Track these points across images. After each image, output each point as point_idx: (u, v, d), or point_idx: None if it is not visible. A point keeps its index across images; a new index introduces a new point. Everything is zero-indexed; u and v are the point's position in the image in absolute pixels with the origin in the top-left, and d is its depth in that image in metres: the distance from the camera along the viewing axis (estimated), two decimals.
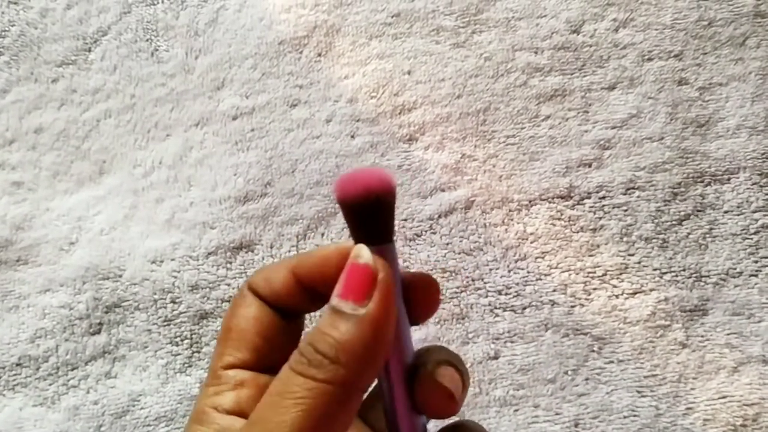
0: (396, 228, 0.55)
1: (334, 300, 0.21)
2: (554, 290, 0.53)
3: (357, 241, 0.23)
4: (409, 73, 0.59)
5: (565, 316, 0.52)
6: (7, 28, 0.63)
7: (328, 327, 0.21)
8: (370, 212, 0.22)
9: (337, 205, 0.24)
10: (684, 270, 0.53)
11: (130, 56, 0.62)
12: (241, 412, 0.23)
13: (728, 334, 0.51)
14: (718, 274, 0.53)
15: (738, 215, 0.54)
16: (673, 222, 0.54)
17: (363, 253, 0.22)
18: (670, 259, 0.53)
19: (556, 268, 0.53)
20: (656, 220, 0.54)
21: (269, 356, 0.24)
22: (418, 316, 0.25)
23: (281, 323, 0.25)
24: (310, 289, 0.25)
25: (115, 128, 0.59)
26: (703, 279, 0.52)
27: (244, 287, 0.25)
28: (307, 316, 0.28)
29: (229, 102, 0.59)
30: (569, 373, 0.51)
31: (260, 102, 0.59)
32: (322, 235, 0.55)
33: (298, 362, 0.21)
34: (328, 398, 0.20)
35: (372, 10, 0.62)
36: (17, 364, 0.53)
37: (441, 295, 0.26)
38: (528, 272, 0.53)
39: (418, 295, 0.24)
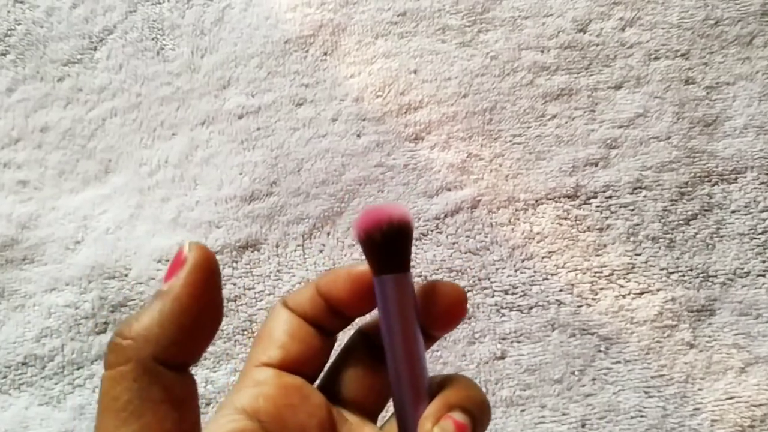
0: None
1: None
2: (561, 290, 0.52)
3: (378, 270, 0.25)
4: (415, 72, 0.59)
5: (571, 316, 0.52)
6: (13, 27, 0.63)
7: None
8: (390, 241, 0.24)
9: (356, 236, 0.25)
10: (691, 270, 0.53)
11: (136, 55, 0.62)
12: (253, 408, 0.24)
13: (736, 335, 0.51)
14: (726, 274, 0.52)
15: (745, 215, 0.54)
16: (680, 221, 0.54)
17: (185, 244, 0.23)
18: (677, 258, 0.53)
19: (562, 267, 0.53)
20: (663, 220, 0.54)
21: (296, 355, 0.25)
22: (438, 324, 0.25)
23: (311, 332, 0.26)
24: (337, 309, 0.26)
25: (120, 127, 0.59)
26: (711, 279, 0.52)
27: (277, 303, 0.27)
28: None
29: (234, 101, 0.59)
30: (576, 373, 0.50)
31: (266, 101, 0.59)
32: (328, 234, 0.55)
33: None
34: (119, 379, 0.21)
35: (378, 9, 0.61)
36: (23, 363, 0.53)
37: (466, 304, 0.26)
38: (534, 272, 0.53)
39: (440, 304, 0.25)
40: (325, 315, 0.26)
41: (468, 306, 0.52)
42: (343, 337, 0.27)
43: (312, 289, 0.26)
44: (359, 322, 0.27)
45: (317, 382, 0.27)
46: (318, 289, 0.26)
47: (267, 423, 0.24)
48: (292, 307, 0.26)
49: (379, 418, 0.27)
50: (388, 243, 0.24)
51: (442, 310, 0.25)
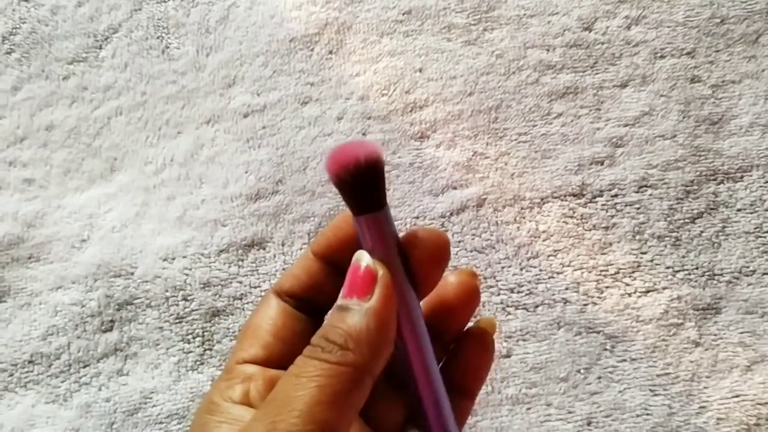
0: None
1: (340, 300, 0.24)
2: (567, 288, 0.52)
3: (352, 211, 0.25)
4: (420, 70, 0.59)
5: (577, 315, 0.52)
6: (18, 26, 0.63)
7: (336, 321, 0.23)
8: (359, 182, 0.24)
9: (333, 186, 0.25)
10: (697, 268, 0.53)
11: (141, 53, 0.62)
12: (248, 403, 0.24)
13: (741, 333, 0.51)
14: (731, 273, 0.52)
15: (751, 213, 0.54)
16: (686, 220, 0.54)
17: (363, 257, 0.24)
18: (683, 257, 0.53)
19: (568, 266, 0.53)
20: (669, 218, 0.54)
21: (280, 354, 0.26)
22: (425, 275, 0.26)
23: (297, 323, 0.26)
24: (333, 264, 0.26)
25: (126, 125, 0.59)
26: (716, 277, 0.52)
27: (268, 291, 0.27)
28: None
29: (240, 99, 0.59)
30: (582, 371, 0.51)
31: (271, 99, 0.59)
32: None
33: (312, 351, 0.23)
34: (340, 377, 0.22)
35: (383, 8, 0.61)
36: (29, 362, 0.53)
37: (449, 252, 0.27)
38: (540, 270, 0.53)
39: (424, 252, 0.26)
40: (325, 279, 0.26)
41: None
42: None
43: (305, 259, 0.27)
44: None
45: None
46: (312, 251, 0.26)
47: None
48: (287, 288, 0.27)
49: None
50: (358, 183, 0.24)
51: (424, 250, 0.25)
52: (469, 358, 0.27)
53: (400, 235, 0.26)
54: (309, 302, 0.27)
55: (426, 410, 0.25)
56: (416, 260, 0.25)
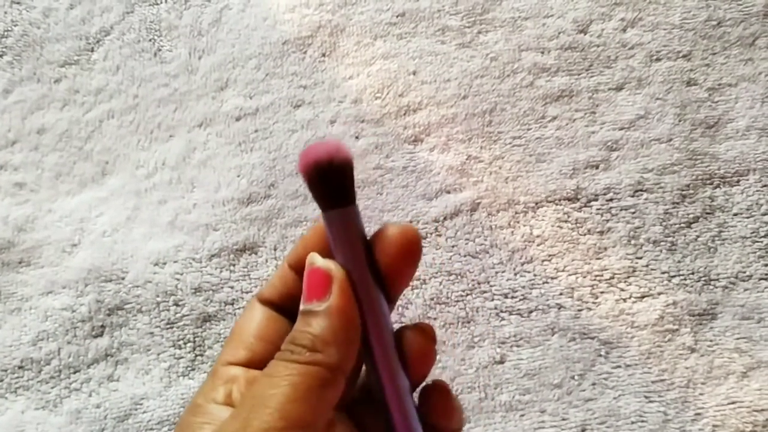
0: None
1: (302, 305, 0.24)
2: (561, 294, 0.52)
3: (321, 207, 0.25)
4: (414, 73, 0.59)
5: (571, 320, 0.51)
6: (9, 28, 0.63)
7: (302, 326, 0.24)
8: (324, 176, 0.25)
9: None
10: (693, 273, 0.52)
11: (133, 56, 0.61)
12: (231, 403, 0.25)
13: (737, 339, 0.50)
14: (728, 278, 0.52)
15: (747, 218, 0.53)
16: (682, 225, 0.53)
17: (315, 259, 0.25)
18: (679, 262, 0.52)
19: (563, 271, 0.53)
20: (664, 223, 0.53)
21: (263, 354, 0.26)
22: (395, 272, 0.26)
23: (282, 327, 0.27)
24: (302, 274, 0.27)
25: (117, 129, 0.59)
26: (712, 282, 0.52)
27: (253, 297, 0.28)
28: None
29: (232, 103, 0.59)
30: (576, 377, 0.50)
31: (264, 103, 0.59)
32: None
33: (283, 354, 0.24)
34: (311, 375, 0.23)
35: (377, 10, 0.61)
36: (19, 367, 0.53)
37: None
38: (534, 275, 0.53)
39: (392, 248, 0.25)
40: (298, 287, 0.26)
41: (467, 309, 0.52)
42: None
43: (283, 269, 0.27)
44: None
45: None
46: (288, 263, 0.27)
47: None
48: (267, 296, 0.27)
49: None
50: (323, 178, 0.25)
51: (392, 245, 0.25)
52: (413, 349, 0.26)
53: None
54: (287, 310, 0.27)
55: (392, 413, 0.25)
56: (384, 257, 0.25)
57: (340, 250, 0.25)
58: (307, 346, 0.23)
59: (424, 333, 0.26)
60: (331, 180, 0.25)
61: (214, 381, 0.26)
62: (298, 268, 0.27)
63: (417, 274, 0.53)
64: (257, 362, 0.26)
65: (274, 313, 0.27)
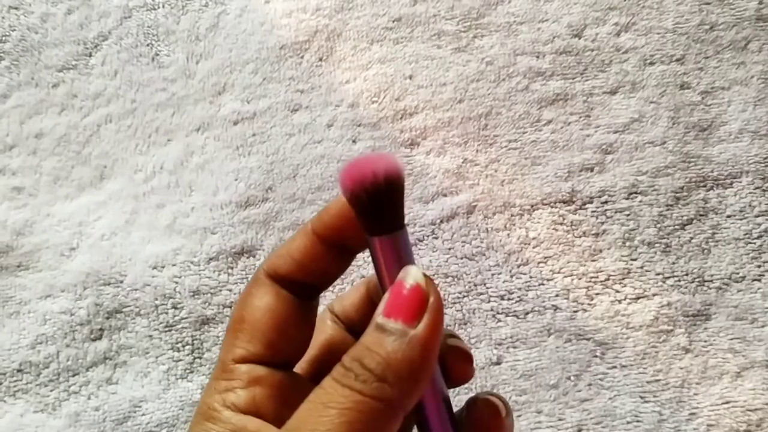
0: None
1: (380, 318, 0.21)
2: (557, 295, 0.52)
3: (367, 231, 0.22)
4: (410, 77, 0.59)
5: (567, 321, 0.52)
6: (7, 33, 0.63)
7: (374, 344, 0.20)
8: (376, 199, 0.21)
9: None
10: (687, 275, 0.53)
11: (131, 61, 0.62)
12: (257, 412, 0.22)
13: (731, 339, 0.51)
14: (721, 279, 0.52)
15: (741, 219, 0.54)
16: (676, 226, 0.54)
17: (412, 273, 0.21)
18: (673, 263, 0.53)
19: (558, 273, 0.53)
20: (659, 225, 0.54)
21: (284, 350, 0.24)
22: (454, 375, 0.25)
23: (296, 312, 0.24)
24: (334, 244, 0.24)
25: (115, 133, 0.59)
26: (706, 284, 0.52)
27: (259, 273, 0.24)
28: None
29: (230, 107, 0.59)
30: (572, 378, 0.50)
31: (261, 107, 0.59)
32: None
33: (344, 375, 0.20)
34: (372, 414, 0.20)
35: (373, 15, 0.61)
36: (18, 370, 0.53)
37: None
38: (530, 277, 0.53)
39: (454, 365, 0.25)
40: (325, 259, 0.24)
41: (464, 311, 0.52)
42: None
43: (303, 238, 0.24)
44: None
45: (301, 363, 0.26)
46: (314, 229, 0.24)
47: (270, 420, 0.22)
48: (285, 271, 0.24)
49: None
50: (375, 203, 0.21)
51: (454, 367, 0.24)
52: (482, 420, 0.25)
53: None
54: (302, 284, 0.24)
55: None
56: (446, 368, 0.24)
57: (387, 279, 0.22)
58: (375, 372, 0.20)
59: (493, 408, 0.25)
60: (383, 203, 0.21)
61: (230, 380, 0.23)
62: (328, 236, 0.24)
63: None
64: (278, 359, 0.23)
65: (287, 295, 0.24)
